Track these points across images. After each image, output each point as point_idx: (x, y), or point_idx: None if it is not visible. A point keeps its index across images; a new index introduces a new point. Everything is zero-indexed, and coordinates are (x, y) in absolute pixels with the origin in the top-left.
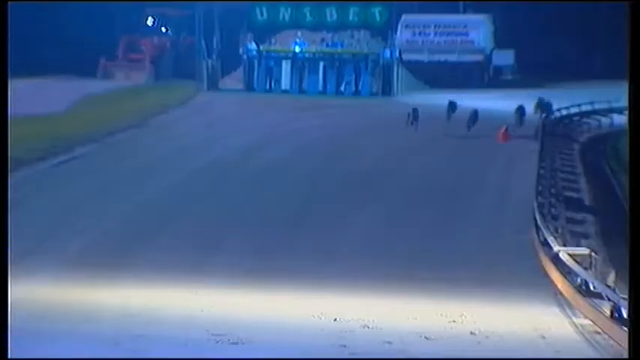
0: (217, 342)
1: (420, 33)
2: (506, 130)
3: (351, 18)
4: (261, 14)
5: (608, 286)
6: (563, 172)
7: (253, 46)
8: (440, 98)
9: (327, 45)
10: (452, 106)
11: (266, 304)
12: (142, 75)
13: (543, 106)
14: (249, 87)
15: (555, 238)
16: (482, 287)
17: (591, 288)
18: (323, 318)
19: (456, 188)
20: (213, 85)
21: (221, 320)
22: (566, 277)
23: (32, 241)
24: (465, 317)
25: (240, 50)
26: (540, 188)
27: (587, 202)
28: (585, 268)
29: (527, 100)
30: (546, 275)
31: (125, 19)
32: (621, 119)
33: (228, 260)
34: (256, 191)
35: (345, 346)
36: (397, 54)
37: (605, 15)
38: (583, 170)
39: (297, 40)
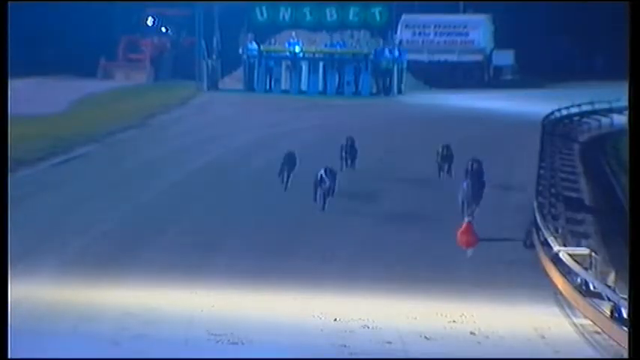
0: (217, 342)
1: (420, 33)
2: (469, 225)
3: (351, 18)
4: (261, 14)
5: (608, 286)
6: (563, 172)
7: (254, 45)
8: (440, 98)
9: (327, 45)
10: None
11: (266, 304)
12: (142, 75)
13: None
14: (249, 87)
15: (555, 238)
16: (482, 287)
17: (591, 288)
18: (323, 318)
19: (456, 188)
20: (213, 85)
21: (221, 320)
22: (566, 277)
23: (32, 241)
24: (465, 317)
25: (240, 50)
26: (540, 188)
27: (587, 202)
28: (585, 268)
29: (527, 100)
30: (546, 275)
31: (125, 19)
32: (621, 119)
33: (228, 260)
34: (256, 191)
35: (345, 346)
36: (397, 54)
37: (605, 15)
38: (583, 170)
39: (291, 41)
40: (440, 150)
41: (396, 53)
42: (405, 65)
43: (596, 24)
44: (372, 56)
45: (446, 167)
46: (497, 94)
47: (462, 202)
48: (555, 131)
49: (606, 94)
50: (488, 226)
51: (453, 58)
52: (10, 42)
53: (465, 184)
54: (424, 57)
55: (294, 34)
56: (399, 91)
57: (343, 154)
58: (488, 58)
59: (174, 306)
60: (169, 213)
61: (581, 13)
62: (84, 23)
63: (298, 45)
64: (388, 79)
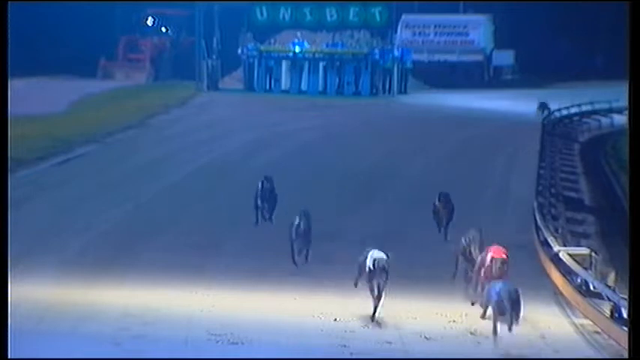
0: (217, 342)
1: (420, 33)
2: None
3: (351, 18)
4: (261, 14)
5: (608, 286)
6: (563, 172)
7: (252, 46)
8: (440, 98)
9: (327, 45)
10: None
11: (266, 304)
12: (142, 75)
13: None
14: (248, 87)
15: (555, 238)
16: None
17: (591, 288)
18: (323, 318)
19: (456, 188)
20: (213, 85)
21: (221, 320)
22: (566, 277)
23: (32, 241)
24: (465, 317)
25: (240, 50)
26: (540, 188)
27: (587, 202)
28: (585, 268)
29: (527, 100)
30: (546, 275)
31: (125, 19)
32: (621, 119)
33: (229, 260)
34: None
35: (345, 346)
36: (397, 54)
37: (605, 15)
38: (583, 170)
39: (296, 40)
40: (436, 201)
41: (395, 53)
42: (408, 65)
43: (596, 24)
44: (372, 56)
45: (444, 222)
46: (497, 94)
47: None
48: (555, 131)
49: (606, 94)
50: (488, 227)
51: (453, 58)
52: (10, 42)
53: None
54: (424, 57)
55: (299, 34)
56: (402, 91)
57: (259, 202)
58: (489, 58)
59: (174, 306)
60: (169, 213)
61: (581, 13)
62: (84, 23)
63: (299, 45)
64: (388, 79)
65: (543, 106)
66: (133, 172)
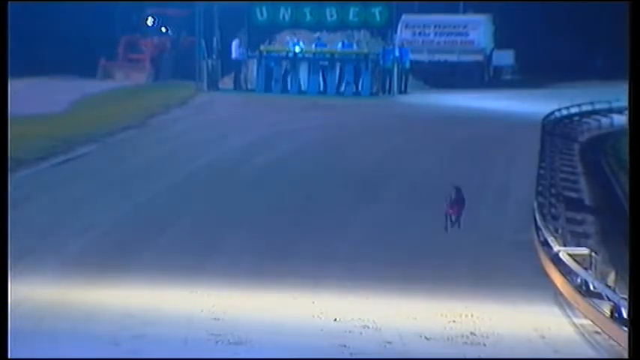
0: (217, 342)
1: (419, 33)
2: None
3: (351, 18)
4: (261, 14)
5: (608, 286)
6: (563, 172)
7: (245, 49)
8: (440, 98)
9: (318, 45)
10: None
11: (266, 304)
12: (142, 75)
13: None
14: (238, 87)
15: (555, 238)
16: (482, 287)
17: (591, 288)
18: (323, 318)
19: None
20: (213, 85)
21: (221, 320)
22: (566, 277)
23: (32, 240)
24: (465, 317)
25: (233, 53)
26: (540, 188)
27: (587, 202)
28: (585, 268)
29: (527, 100)
30: (546, 275)
31: (125, 19)
32: (621, 119)
33: (228, 260)
34: (256, 191)
35: (345, 346)
36: (397, 54)
37: (605, 15)
38: (583, 170)
39: (296, 41)
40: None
41: (396, 53)
42: (408, 65)
43: (596, 24)
44: (371, 56)
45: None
46: (497, 94)
47: None
48: (555, 131)
49: (606, 94)
50: (488, 227)
51: (453, 58)
52: (10, 42)
53: None
54: (424, 57)
55: (300, 34)
56: (402, 91)
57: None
58: (489, 58)
59: (174, 306)
60: (169, 213)
61: (581, 13)
62: (84, 23)
63: (299, 45)
64: (388, 79)
65: (458, 193)
66: (133, 172)
